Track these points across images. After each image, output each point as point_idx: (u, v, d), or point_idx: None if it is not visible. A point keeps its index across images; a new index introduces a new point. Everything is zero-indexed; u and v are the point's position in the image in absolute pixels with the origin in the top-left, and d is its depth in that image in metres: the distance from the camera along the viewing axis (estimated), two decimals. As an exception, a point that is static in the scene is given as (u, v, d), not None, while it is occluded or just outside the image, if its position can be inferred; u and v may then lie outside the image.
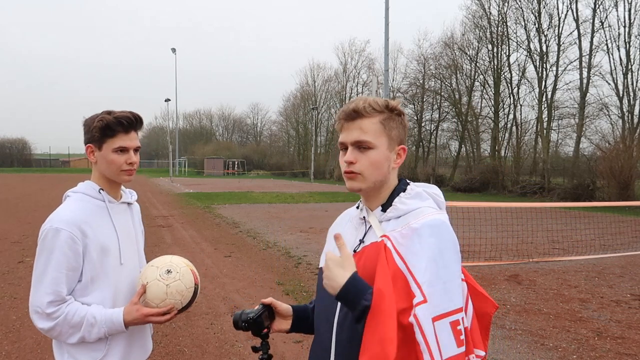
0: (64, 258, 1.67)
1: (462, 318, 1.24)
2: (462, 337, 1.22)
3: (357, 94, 51.11)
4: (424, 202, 1.38)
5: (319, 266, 1.54)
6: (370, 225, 1.42)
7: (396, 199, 1.40)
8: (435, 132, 39.92)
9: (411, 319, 1.20)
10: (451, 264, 1.27)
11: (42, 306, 1.66)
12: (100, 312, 1.70)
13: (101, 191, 1.83)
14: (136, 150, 1.82)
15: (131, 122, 1.78)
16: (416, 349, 1.19)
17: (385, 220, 1.40)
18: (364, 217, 1.45)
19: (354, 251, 1.41)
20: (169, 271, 1.75)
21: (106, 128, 1.75)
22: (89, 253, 1.72)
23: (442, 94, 37.92)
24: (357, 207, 1.52)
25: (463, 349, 1.21)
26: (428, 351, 1.17)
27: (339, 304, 1.37)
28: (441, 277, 1.24)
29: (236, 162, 60.28)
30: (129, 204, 1.94)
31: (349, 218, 1.55)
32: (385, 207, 1.42)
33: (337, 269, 1.29)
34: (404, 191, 1.43)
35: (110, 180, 1.84)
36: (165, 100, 52.40)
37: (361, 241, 1.41)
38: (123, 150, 1.78)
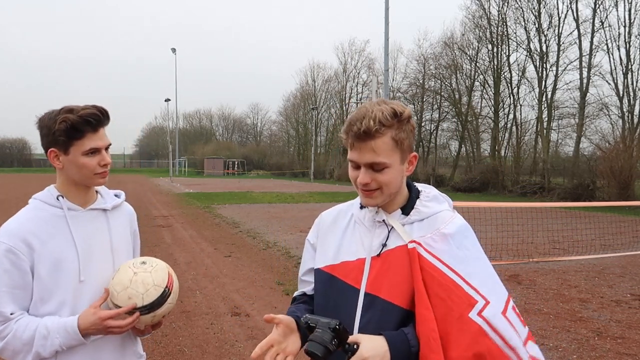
0: (5, 275, 1.47)
1: (513, 303, 1.34)
2: (522, 318, 1.32)
3: (357, 94, 51.16)
4: (442, 205, 1.42)
5: (316, 267, 1.49)
6: (391, 228, 1.37)
7: (418, 203, 1.40)
8: (435, 132, 39.99)
9: (480, 321, 1.24)
10: (486, 258, 1.36)
11: None
12: (54, 321, 1.49)
13: (60, 198, 1.59)
14: (107, 148, 1.61)
15: (99, 118, 1.55)
16: (490, 348, 1.22)
17: (409, 223, 1.38)
18: (382, 219, 1.39)
19: (378, 254, 1.36)
20: (143, 262, 1.61)
21: (72, 129, 1.51)
22: (37, 269, 1.50)
23: (442, 93, 37.96)
24: (362, 208, 1.45)
25: (527, 327, 1.32)
26: (508, 347, 1.23)
27: (357, 317, 1.33)
28: (489, 274, 1.33)
29: (236, 162, 60.30)
30: (103, 209, 1.67)
31: (352, 219, 1.48)
32: (405, 210, 1.40)
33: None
34: (419, 192, 1.45)
35: (81, 185, 1.61)
36: (165, 100, 52.43)
37: (383, 245, 1.36)
38: (95, 151, 1.56)
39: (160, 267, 1.62)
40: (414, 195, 1.43)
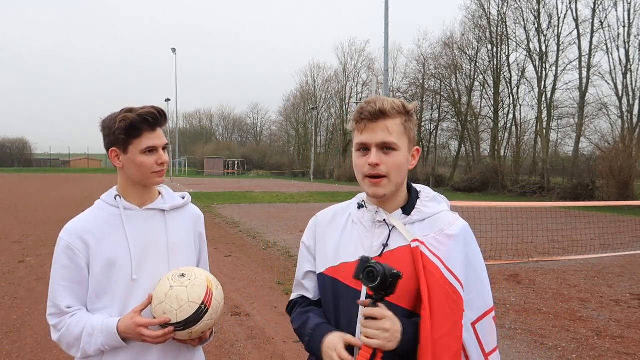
0: (63, 270, 1.56)
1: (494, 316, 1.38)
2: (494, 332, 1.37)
3: (357, 94, 51.15)
4: (441, 206, 1.43)
5: (318, 272, 1.46)
6: (392, 228, 1.37)
7: (418, 202, 1.41)
8: (435, 132, 40.00)
9: (470, 328, 1.31)
10: (483, 263, 1.39)
11: (48, 318, 1.58)
12: (99, 321, 1.53)
13: (117, 198, 1.64)
14: (164, 147, 1.63)
15: (156, 118, 1.59)
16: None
17: (410, 223, 1.38)
18: (384, 219, 1.38)
19: (379, 255, 1.35)
20: (182, 275, 1.55)
21: (131, 128, 1.55)
22: (92, 266, 1.56)
23: (442, 93, 37.97)
24: (360, 207, 1.45)
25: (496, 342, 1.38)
26: (481, 350, 1.30)
27: (359, 319, 1.31)
28: (482, 282, 1.36)
29: (236, 162, 60.30)
30: (162, 210, 1.68)
31: (350, 219, 1.46)
32: (406, 210, 1.40)
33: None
34: (418, 193, 1.45)
35: (138, 185, 1.64)
36: (166, 100, 52.39)
37: (384, 245, 1.35)
38: (152, 150, 1.59)
39: (198, 282, 1.54)
40: (413, 195, 1.43)
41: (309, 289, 1.51)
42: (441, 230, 1.35)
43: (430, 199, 1.43)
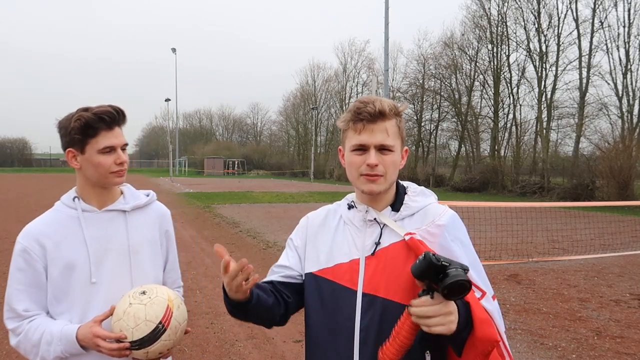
0: (19, 273, 1.52)
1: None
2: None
3: (357, 94, 51.12)
4: (429, 199, 1.44)
5: (307, 271, 1.44)
6: (384, 226, 1.38)
7: (406, 198, 1.42)
8: (435, 131, 39.95)
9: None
10: (473, 248, 1.41)
11: (5, 322, 1.54)
12: (59, 328, 1.49)
13: (76, 199, 1.60)
14: (123, 148, 1.59)
15: (113, 117, 1.55)
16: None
17: (400, 219, 1.39)
18: (374, 218, 1.38)
19: (372, 253, 1.35)
20: (143, 292, 1.50)
21: (86, 127, 1.51)
22: (50, 270, 1.53)
23: (442, 93, 37.96)
24: (350, 208, 1.45)
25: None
26: (498, 333, 1.28)
27: (357, 318, 1.31)
28: (479, 265, 1.37)
29: (236, 162, 60.29)
30: (122, 211, 1.64)
31: (341, 220, 1.46)
32: (395, 206, 1.41)
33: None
34: (405, 189, 1.46)
35: (97, 186, 1.60)
36: (165, 100, 52.38)
37: (377, 243, 1.36)
38: (110, 150, 1.55)
39: (158, 300, 1.49)
40: (401, 191, 1.45)
41: (277, 275, 1.49)
42: (432, 221, 1.37)
43: (417, 193, 1.44)
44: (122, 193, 1.70)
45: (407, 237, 1.32)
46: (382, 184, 1.34)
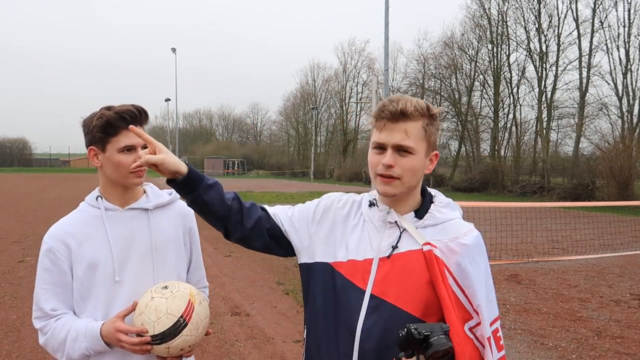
0: (45, 273, 1.55)
1: (500, 324, 1.33)
2: (502, 342, 1.31)
3: (357, 94, 51.22)
4: (455, 213, 1.41)
5: (320, 260, 1.42)
6: (403, 230, 1.34)
7: (432, 207, 1.38)
8: (435, 131, 39.91)
9: (470, 335, 1.28)
10: (490, 275, 1.36)
11: (33, 322, 1.57)
12: (83, 325, 1.51)
13: (99, 198, 1.61)
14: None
15: (135, 116, 1.54)
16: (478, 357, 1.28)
17: (422, 227, 1.35)
18: (395, 221, 1.35)
19: (387, 256, 1.32)
20: (165, 287, 1.50)
21: (107, 126, 1.52)
22: (75, 269, 1.55)
23: (442, 93, 37.94)
24: (371, 205, 1.41)
25: (504, 352, 1.32)
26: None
27: (361, 318, 1.30)
28: (488, 293, 1.32)
29: (236, 162, 60.33)
30: (145, 209, 1.64)
31: (361, 217, 1.43)
32: (419, 213, 1.37)
33: None
34: (432, 197, 1.43)
35: (118, 185, 1.60)
36: (165, 100, 52.53)
37: (394, 247, 1.33)
38: (130, 149, 1.54)
39: (180, 295, 1.48)
40: (427, 199, 1.41)
41: (279, 217, 1.55)
42: (455, 238, 1.33)
43: (444, 205, 1.41)
44: (144, 192, 1.70)
45: (425, 248, 1.29)
46: (397, 187, 1.30)
